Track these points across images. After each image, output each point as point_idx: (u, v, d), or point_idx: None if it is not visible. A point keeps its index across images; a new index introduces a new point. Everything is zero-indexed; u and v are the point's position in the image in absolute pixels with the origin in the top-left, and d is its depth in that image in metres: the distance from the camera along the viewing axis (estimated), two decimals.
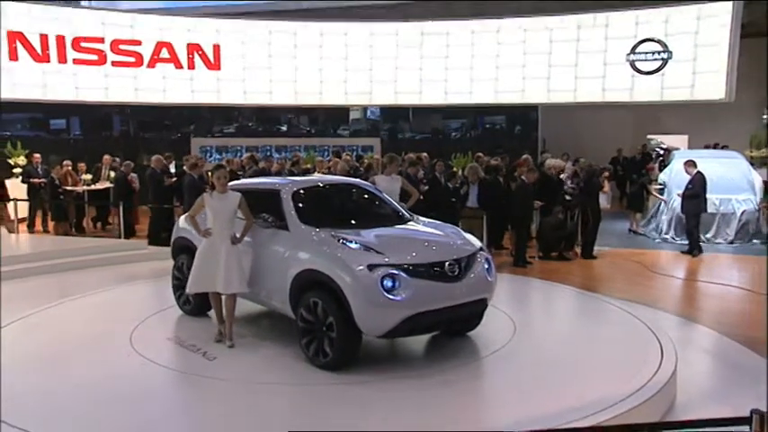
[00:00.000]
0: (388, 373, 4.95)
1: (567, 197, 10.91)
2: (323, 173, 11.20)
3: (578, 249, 10.51)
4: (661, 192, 12.16)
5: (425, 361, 5.35)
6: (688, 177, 10.74)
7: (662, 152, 15.52)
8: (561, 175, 11.29)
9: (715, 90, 13.63)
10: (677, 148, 15.47)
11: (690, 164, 10.82)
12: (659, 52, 14.03)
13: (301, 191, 5.81)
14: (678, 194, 11.15)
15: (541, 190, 10.32)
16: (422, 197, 8.71)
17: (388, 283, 4.70)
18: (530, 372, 4.99)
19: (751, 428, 2.82)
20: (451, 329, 5.61)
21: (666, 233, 11.82)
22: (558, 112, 17.61)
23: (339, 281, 4.78)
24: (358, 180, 7.31)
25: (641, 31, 14.13)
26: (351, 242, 4.98)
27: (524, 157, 11.98)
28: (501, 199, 10.09)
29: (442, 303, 4.91)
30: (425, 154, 12.50)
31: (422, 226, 5.75)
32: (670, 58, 13.97)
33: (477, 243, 5.52)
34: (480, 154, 12.78)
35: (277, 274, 5.34)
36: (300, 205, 5.57)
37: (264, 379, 4.84)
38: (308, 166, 12.50)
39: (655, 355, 5.09)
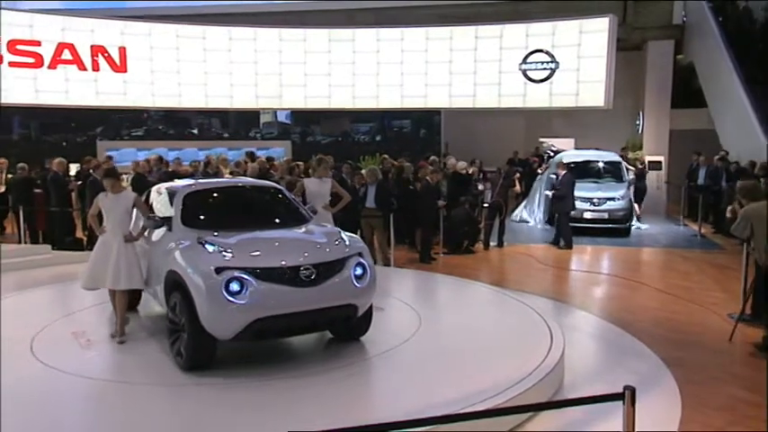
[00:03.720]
0: (286, 372, 4.89)
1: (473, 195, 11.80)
2: (234, 173, 11.40)
3: (481, 245, 11.41)
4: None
5: (328, 357, 5.30)
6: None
7: (552, 154, 16.72)
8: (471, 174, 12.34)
9: (596, 98, 14.73)
10: (565, 150, 16.79)
11: (561, 165, 11.76)
12: (547, 62, 15.00)
13: (196, 193, 5.80)
14: (548, 193, 12.30)
15: (456, 188, 11.19)
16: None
17: (235, 287, 4.62)
18: (432, 361, 5.14)
19: (624, 402, 3.11)
20: (341, 333, 5.57)
21: (544, 221, 13.25)
22: (459, 116, 18.58)
23: (189, 282, 4.78)
24: (264, 181, 7.33)
25: (531, 42, 15.09)
26: (209, 244, 4.91)
27: (430, 158, 12.79)
28: (390, 198, 10.30)
29: (294, 308, 4.79)
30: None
31: (305, 228, 5.60)
32: (557, 67, 14.93)
33: (355, 248, 5.33)
34: (386, 156, 13.49)
35: (158, 273, 5.41)
36: (191, 207, 5.59)
37: (130, 378, 4.88)
38: (221, 167, 12.64)
39: (545, 340, 5.41)
